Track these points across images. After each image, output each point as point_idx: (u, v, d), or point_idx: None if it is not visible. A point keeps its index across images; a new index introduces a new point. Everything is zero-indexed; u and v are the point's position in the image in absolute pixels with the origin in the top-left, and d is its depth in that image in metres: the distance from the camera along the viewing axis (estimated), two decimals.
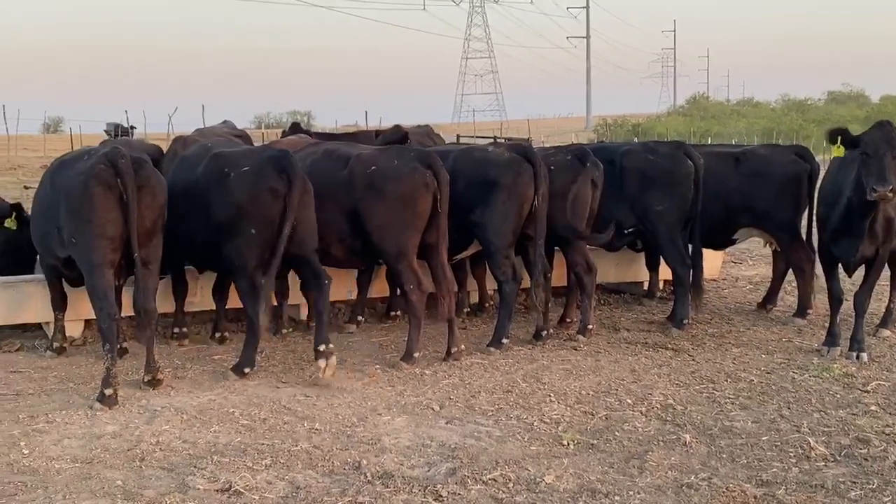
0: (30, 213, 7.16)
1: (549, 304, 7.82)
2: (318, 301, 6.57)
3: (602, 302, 9.18)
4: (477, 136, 36.60)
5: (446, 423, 5.54)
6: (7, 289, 7.32)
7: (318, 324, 6.45)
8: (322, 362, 6.28)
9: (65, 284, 6.86)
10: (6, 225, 7.72)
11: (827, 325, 7.38)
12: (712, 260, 9.61)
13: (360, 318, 8.09)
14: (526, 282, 7.47)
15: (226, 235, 6.37)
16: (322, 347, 6.34)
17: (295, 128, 11.16)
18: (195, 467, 4.75)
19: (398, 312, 8.29)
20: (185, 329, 7.43)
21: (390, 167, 6.74)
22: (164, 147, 8.84)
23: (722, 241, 8.75)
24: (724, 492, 4.52)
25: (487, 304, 8.62)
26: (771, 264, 9.22)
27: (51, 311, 7.06)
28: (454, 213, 6.95)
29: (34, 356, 7.03)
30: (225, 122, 11.32)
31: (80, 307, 6.99)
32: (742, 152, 8.60)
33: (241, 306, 6.69)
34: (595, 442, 5.21)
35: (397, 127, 11.58)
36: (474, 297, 8.76)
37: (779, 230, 8.28)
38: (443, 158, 7.13)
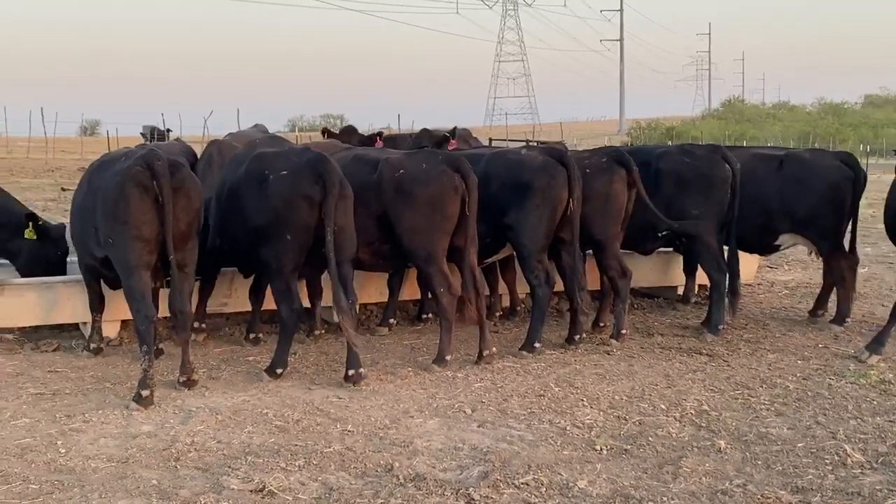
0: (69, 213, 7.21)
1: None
2: (345, 319, 6.32)
3: (636, 306, 9.13)
4: (509, 140, 36.55)
5: (478, 426, 5.53)
6: (44, 289, 7.41)
7: (348, 346, 6.37)
8: (350, 384, 6.29)
9: (103, 285, 6.93)
10: (26, 235, 7.73)
11: (866, 330, 7.26)
12: (748, 264, 9.52)
13: (391, 320, 8.11)
14: (558, 286, 7.45)
15: (263, 238, 6.41)
16: (352, 371, 6.33)
17: (349, 130, 11.08)
18: (229, 468, 4.78)
19: (429, 315, 8.30)
20: (203, 325, 7.48)
21: (419, 171, 6.76)
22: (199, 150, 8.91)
23: (764, 245, 8.55)
24: (758, 498, 4.47)
25: (519, 308, 8.60)
26: (807, 269, 9.13)
27: (87, 311, 7.15)
28: (487, 216, 6.95)
29: (71, 356, 7.11)
30: (257, 125, 11.42)
31: (117, 308, 7.07)
32: (786, 155, 8.42)
33: (275, 308, 6.72)
34: (628, 447, 5.18)
35: (425, 131, 11.60)
36: (506, 301, 8.75)
37: (819, 237, 8.11)
38: (476, 162, 7.14)
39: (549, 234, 7.17)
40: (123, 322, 7.47)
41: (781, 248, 8.60)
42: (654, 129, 68.12)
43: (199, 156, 9.67)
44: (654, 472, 4.82)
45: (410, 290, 8.33)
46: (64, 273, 7.94)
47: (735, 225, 7.90)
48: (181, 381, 6.19)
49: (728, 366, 6.94)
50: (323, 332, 7.79)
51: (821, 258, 8.41)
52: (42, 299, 7.37)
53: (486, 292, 7.11)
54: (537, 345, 7.20)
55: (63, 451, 5.02)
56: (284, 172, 6.38)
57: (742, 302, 8.52)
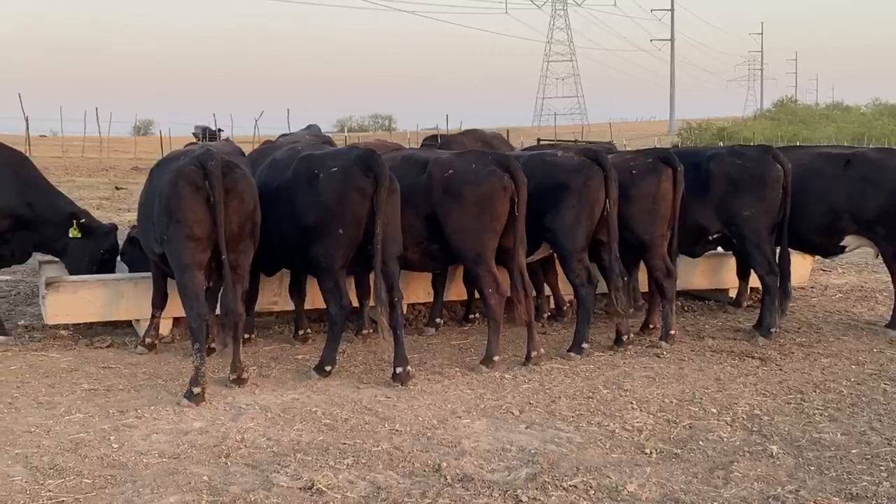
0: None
1: (630, 311, 7.73)
2: (391, 318, 6.39)
3: (686, 309, 9.05)
4: (557, 140, 36.42)
5: (526, 427, 5.51)
6: (102, 287, 7.54)
7: (395, 345, 6.41)
8: (398, 384, 6.31)
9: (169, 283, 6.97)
10: (70, 234, 7.84)
11: None
12: (801, 267, 9.39)
13: (438, 320, 8.12)
14: (604, 286, 7.41)
15: (313, 235, 6.44)
16: (400, 370, 6.36)
17: (433, 139, 10.93)
18: (279, 465, 4.82)
19: (476, 315, 8.30)
20: (252, 334, 7.52)
21: (468, 171, 6.76)
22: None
23: (829, 247, 8.36)
24: None
25: (566, 308, 8.56)
26: (862, 273, 8.97)
27: (141, 308, 7.25)
28: (525, 217, 6.92)
29: (124, 352, 7.22)
30: (310, 126, 11.44)
31: (169, 305, 7.16)
32: (853, 154, 8.22)
33: (324, 306, 6.76)
34: (678, 451, 5.12)
35: (470, 131, 11.53)
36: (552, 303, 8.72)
37: (884, 240, 7.92)
38: None
39: (587, 235, 7.14)
40: (175, 319, 7.58)
41: (847, 249, 8.39)
42: (704, 129, 67.42)
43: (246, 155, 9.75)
44: (704, 476, 4.77)
45: (458, 291, 8.34)
46: (113, 271, 8.07)
47: (788, 226, 7.78)
48: (232, 378, 6.25)
49: (780, 370, 6.84)
50: (371, 331, 7.81)
51: (884, 262, 8.21)
52: (97, 296, 7.48)
53: (532, 293, 7.08)
54: (585, 346, 7.16)
55: (116, 446, 5.09)
56: (335, 169, 6.41)
57: (795, 305, 8.42)
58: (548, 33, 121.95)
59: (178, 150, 7.03)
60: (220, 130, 50.12)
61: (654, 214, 7.49)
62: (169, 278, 6.85)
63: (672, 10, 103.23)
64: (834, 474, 4.80)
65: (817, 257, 9.75)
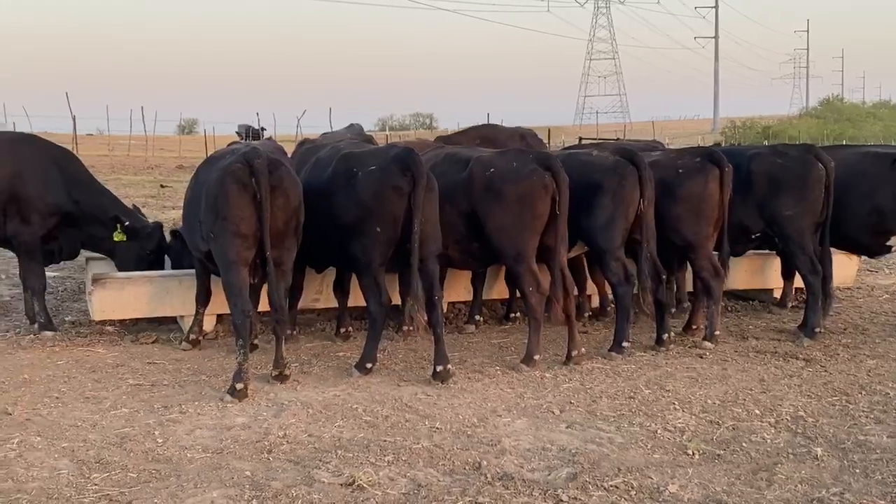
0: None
1: (672, 310, 7.68)
2: (431, 316, 6.44)
3: (729, 309, 8.96)
4: (599, 139, 36.22)
5: (567, 427, 5.50)
6: (147, 283, 7.64)
7: (435, 343, 6.44)
8: (438, 382, 6.33)
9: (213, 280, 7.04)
10: (115, 238, 7.92)
11: None
12: (847, 268, 9.27)
13: (477, 317, 8.13)
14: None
15: (352, 233, 6.48)
16: (440, 367, 6.38)
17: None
18: (320, 461, 4.85)
19: (517, 314, 8.29)
20: (295, 331, 7.59)
21: (510, 169, 6.75)
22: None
23: (875, 246, 8.28)
24: None
25: (609, 308, 8.52)
26: None
27: (186, 305, 7.34)
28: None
29: (169, 348, 7.32)
30: (352, 125, 11.48)
31: (213, 302, 7.24)
32: None
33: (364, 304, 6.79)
34: (721, 452, 5.08)
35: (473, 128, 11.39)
36: (595, 302, 8.68)
37: None
38: None
39: (623, 234, 7.10)
40: (219, 316, 7.65)
41: (894, 249, 8.29)
42: (749, 128, 66.59)
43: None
44: (747, 478, 4.72)
45: (498, 289, 8.34)
46: (161, 268, 8.17)
47: (835, 226, 7.69)
48: (274, 375, 6.30)
49: (825, 371, 6.75)
50: (411, 328, 7.82)
51: None
52: (143, 293, 7.58)
53: (574, 292, 7.05)
54: (625, 344, 7.13)
55: (160, 440, 5.16)
56: (373, 167, 6.45)
57: (841, 306, 8.31)
58: (590, 31, 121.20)
59: (223, 149, 7.09)
60: (262, 129, 50.50)
61: (701, 214, 7.42)
62: (213, 275, 6.93)
63: (716, 7, 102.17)
64: (879, 477, 4.73)
65: (864, 258, 9.61)
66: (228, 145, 7.24)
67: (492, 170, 6.78)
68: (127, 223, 7.97)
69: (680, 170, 7.42)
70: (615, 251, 7.11)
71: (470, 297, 8.28)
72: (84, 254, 8.54)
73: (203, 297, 7.22)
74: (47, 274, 8.17)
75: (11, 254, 8.36)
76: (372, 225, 6.37)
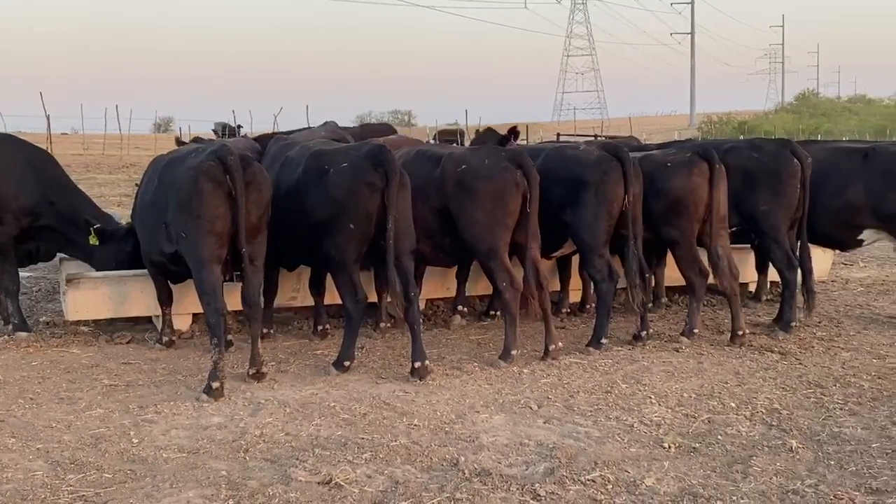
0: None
1: (650, 306, 7.69)
2: (408, 313, 6.42)
3: (705, 303, 8.99)
4: (577, 135, 36.32)
5: (544, 422, 5.51)
6: (121, 283, 7.58)
7: (413, 340, 6.42)
8: (416, 379, 6.32)
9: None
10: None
11: None
12: (822, 261, 9.32)
13: (460, 307, 8.13)
14: (624, 282, 7.37)
15: (326, 231, 6.47)
16: (418, 364, 6.37)
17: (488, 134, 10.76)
18: (297, 459, 4.83)
19: (497, 312, 8.29)
20: (271, 330, 7.57)
21: (481, 166, 6.76)
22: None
23: (847, 241, 8.35)
24: (831, 499, 4.37)
25: (589, 305, 8.53)
26: (883, 267, 8.91)
27: (158, 305, 7.29)
28: (546, 213, 6.89)
29: (144, 348, 7.27)
30: (326, 123, 11.44)
31: (188, 301, 7.20)
32: (871, 148, 8.21)
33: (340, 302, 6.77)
34: (697, 445, 5.10)
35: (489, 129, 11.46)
36: (574, 297, 8.70)
37: None
38: (534, 157, 7.12)
39: (608, 230, 7.11)
40: (195, 315, 7.62)
41: (864, 243, 8.36)
42: (725, 123, 67.03)
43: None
44: (723, 470, 4.75)
45: (478, 287, 8.34)
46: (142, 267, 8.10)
47: (807, 220, 7.73)
48: (251, 373, 6.28)
49: (800, 364, 6.80)
50: (389, 325, 7.83)
51: None
52: (117, 293, 7.53)
53: (548, 288, 7.04)
54: (604, 341, 7.15)
55: (136, 441, 5.13)
56: (345, 164, 6.45)
57: (816, 299, 8.32)
58: (567, 28, 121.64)
59: (180, 149, 7.05)
60: (239, 126, 50.20)
61: (689, 210, 7.40)
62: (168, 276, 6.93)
63: (692, 3, 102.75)
64: (854, 469, 4.77)
65: (838, 251, 9.68)
66: (179, 147, 7.17)
67: (463, 166, 6.79)
68: (98, 226, 7.87)
69: (668, 164, 7.40)
70: (599, 248, 7.12)
71: (448, 294, 8.28)
72: (58, 254, 8.47)
73: (165, 298, 7.20)
74: (21, 274, 8.08)
75: None
76: (345, 222, 6.36)
